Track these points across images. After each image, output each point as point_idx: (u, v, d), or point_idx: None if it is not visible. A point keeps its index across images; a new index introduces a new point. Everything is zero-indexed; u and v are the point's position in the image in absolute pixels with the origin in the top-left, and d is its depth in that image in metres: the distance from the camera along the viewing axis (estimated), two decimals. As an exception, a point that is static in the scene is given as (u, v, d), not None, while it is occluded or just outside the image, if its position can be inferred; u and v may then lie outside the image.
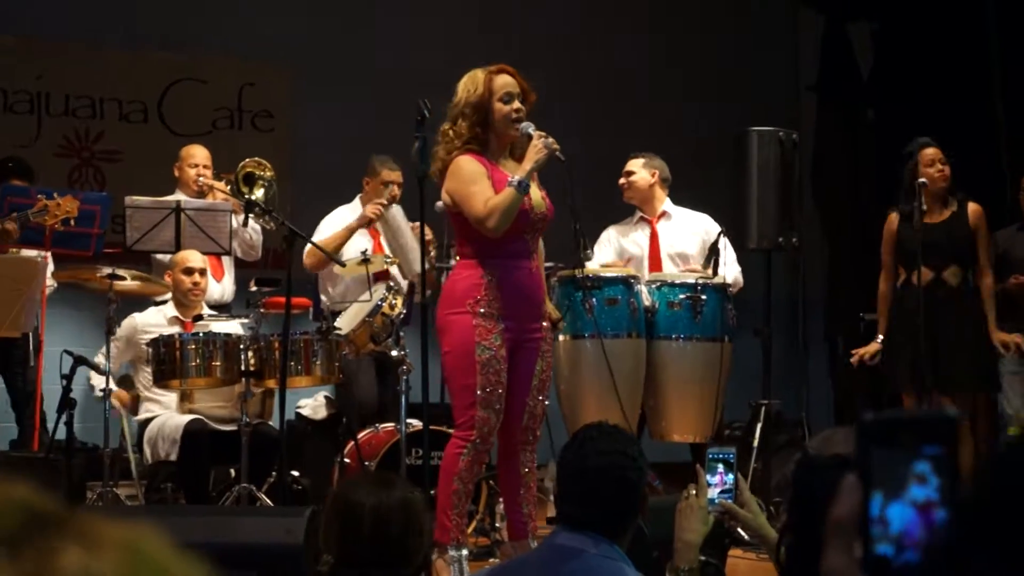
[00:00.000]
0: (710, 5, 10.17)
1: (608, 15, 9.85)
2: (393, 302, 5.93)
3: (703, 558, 2.88)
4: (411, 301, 6.35)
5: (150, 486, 6.17)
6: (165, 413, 6.02)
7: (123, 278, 5.92)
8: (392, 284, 6.14)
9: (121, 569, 0.69)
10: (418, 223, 5.35)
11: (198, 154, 6.98)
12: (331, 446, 6.27)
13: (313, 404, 6.70)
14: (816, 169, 9.83)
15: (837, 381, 9.73)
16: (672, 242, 6.51)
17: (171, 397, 6.04)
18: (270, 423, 5.97)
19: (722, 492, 2.92)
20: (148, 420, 6.05)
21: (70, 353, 5.89)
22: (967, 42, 9.28)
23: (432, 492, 4.71)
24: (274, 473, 5.77)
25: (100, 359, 5.98)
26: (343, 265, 6.15)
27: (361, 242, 6.56)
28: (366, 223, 6.59)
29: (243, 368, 5.63)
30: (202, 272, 6.23)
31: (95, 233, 6.23)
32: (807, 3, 10.30)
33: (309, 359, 5.69)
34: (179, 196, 6.80)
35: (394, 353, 5.90)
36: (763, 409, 6.29)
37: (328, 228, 6.65)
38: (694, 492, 2.90)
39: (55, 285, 6.58)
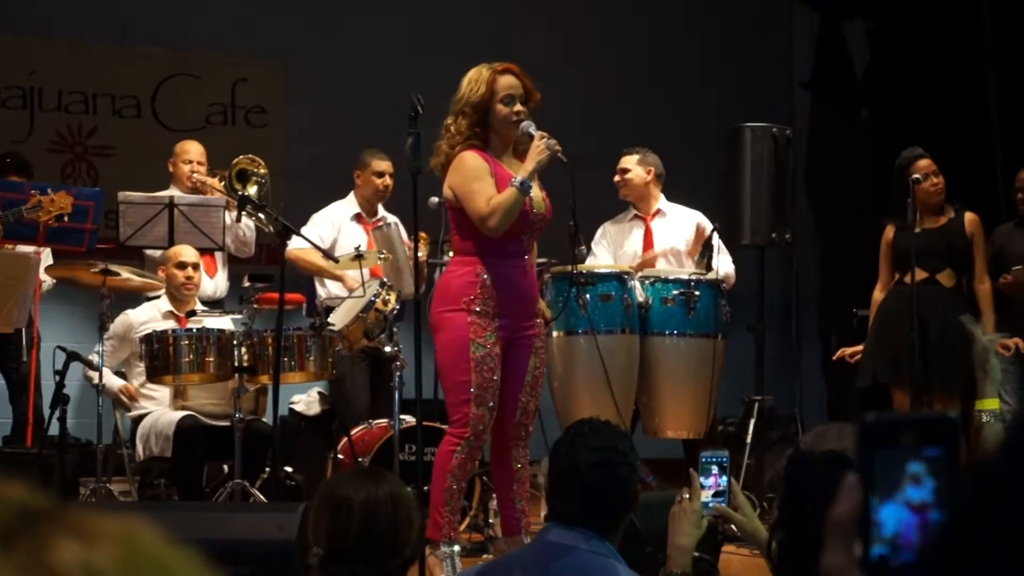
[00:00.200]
0: (705, 2, 10.17)
1: (603, 13, 9.85)
2: (387, 298, 5.93)
3: (696, 554, 2.89)
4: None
5: (143, 482, 6.17)
6: (158, 409, 6.01)
7: (116, 274, 5.91)
8: (385, 280, 6.13)
9: (117, 562, 0.69)
10: (410, 242, 5.34)
11: (192, 150, 6.97)
12: (324, 442, 6.27)
13: (306, 400, 6.70)
14: (810, 166, 9.84)
15: (830, 377, 9.74)
16: (666, 239, 6.51)
17: (164, 393, 6.03)
18: (263, 419, 5.97)
19: (716, 494, 2.92)
20: (141, 416, 6.04)
21: (63, 349, 5.89)
22: (962, 41, 9.28)
23: (425, 488, 4.71)
24: (267, 469, 5.77)
25: (95, 358, 5.97)
26: (336, 261, 6.14)
27: (356, 238, 6.56)
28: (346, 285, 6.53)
29: (236, 364, 5.62)
30: (195, 266, 6.22)
31: (88, 229, 6.22)
32: (802, 0, 10.30)
33: (303, 355, 5.68)
34: (173, 192, 6.79)
35: (388, 349, 5.90)
36: (756, 405, 6.30)
37: (317, 227, 6.64)
38: (687, 496, 2.90)
39: (52, 282, 6.58)
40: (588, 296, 5.89)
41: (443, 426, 4.87)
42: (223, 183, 6.78)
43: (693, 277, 6.14)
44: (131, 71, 8.93)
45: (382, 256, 6.20)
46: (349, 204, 6.79)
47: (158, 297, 6.32)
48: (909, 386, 6.12)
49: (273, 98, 9.26)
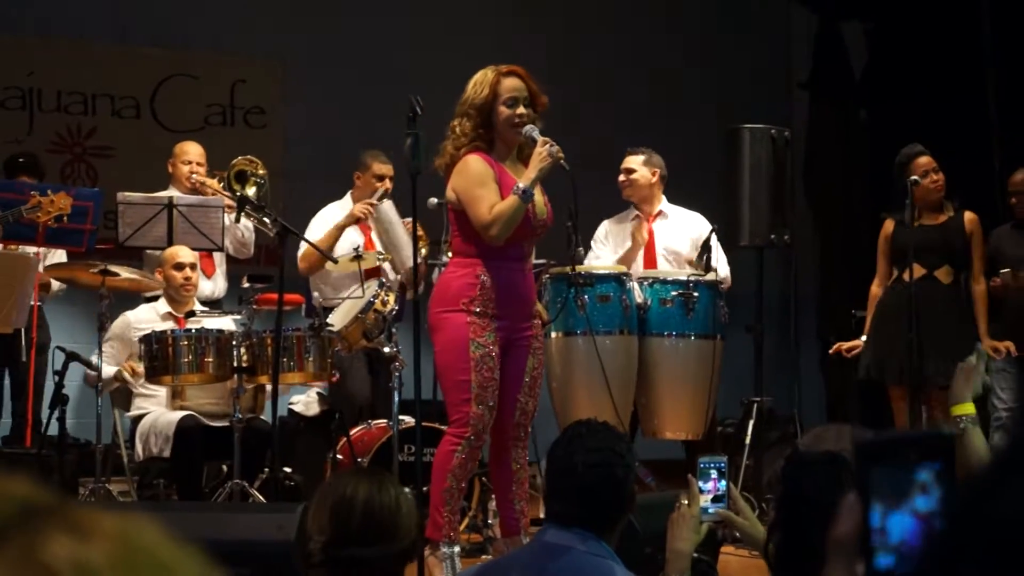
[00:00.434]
0: (704, 3, 10.18)
1: (603, 13, 9.85)
2: (385, 298, 5.93)
3: (695, 555, 2.89)
4: (403, 297, 6.35)
5: (142, 482, 6.16)
6: (157, 409, 6.01)
7: (116, 274, 5.91)
8: (384, 281, 6.13)
9: (112, 559, 0.69)
10: (410, 219, 5.34)
11: (192, 151, 6.97)
12: (323, 442, 6.27)
13: (305, 400, 6.70)
14: (808, 167, 9.84)
15: (829, 378, 9.75)
16: (667, 241, 6.52)
17: (163, 393, 6.03)
18: (262, 417, 5.97)
19: (715, 499, 2.93)
20: (140, 416, 6.04)
21: (62, 349, 5.89)
22: (960, 41, 9.29)
23: (425, 489, 4.71)
24: (266, 469, 5.77)
25: (95, 360, 5.96)
26: (335, 262, 6.15)
27: (353, 238, 6.56)
28: (354, 221, 6.57)
29: (236, 364, 5.63)
30: (193, 267, 6.23)
31: (88, 229, 6.22)
32: (801, 1, 10.31)
33: (302, 355, 5.68)
34: (172, 192, 6.79)
35: (386, 350, 5.90)
36: (755, 406, 6.30)
37: (319, 227, 6.64)
38: (686, 502, 2.91)
39: (62, 287, 6.59)
40: (587, 297, 5.89)
41: (442, 427, 4.88)
42: (222, 184, 6.78)
43: (692, 278, 6.14)
44: (130, 72, 8.93)
45: (380, 257, 6.21)
46: (345, 205, 6.79)
47: (156, 298, 6.32)
48: (906, 384, 6.12)
49: (272, 99, 9.26)
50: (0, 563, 0.67)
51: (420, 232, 5.72)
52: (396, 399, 5.77)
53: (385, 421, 6.01)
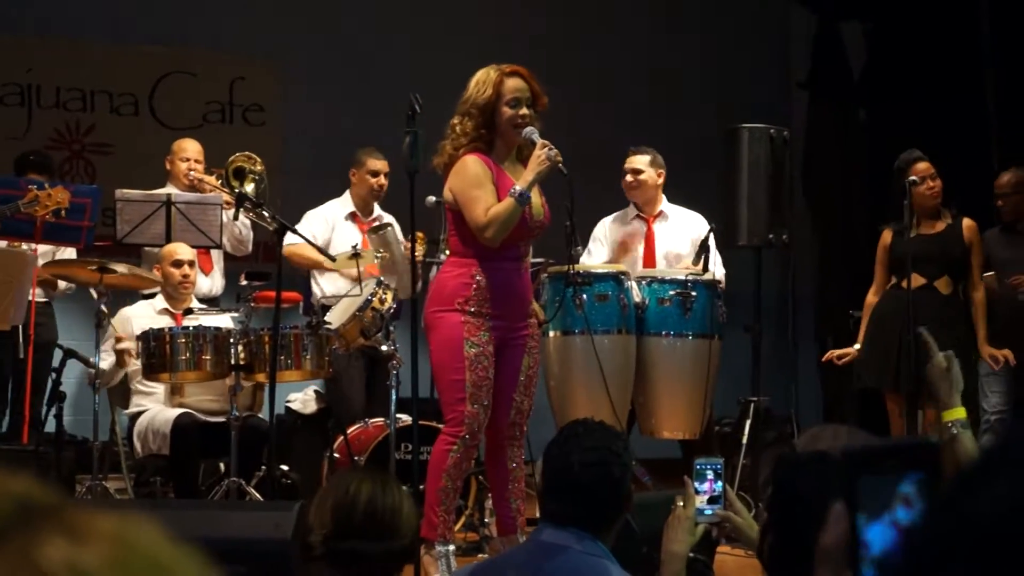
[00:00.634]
0: (703, 3, 10.18)
1: (601, 13, 9.85)
2: (383, 297, 5.93)
3: (691, 555, 2.89)
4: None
5: (139, 480, 6.16)
6: (155, 407, 6.01)
7: (114, 271, 5.91)
8: (382, 279, 6.13)
9: (108, 562, 0.69)
10: (408, 243, 5.34)
11: (190, 148, 6.97)
12: (320, 440, 6.27)
13: (303, 398, 6.70)
14: (807, 167, 9.84)
15: (826, 378, 9.75)
16: (667, 241, 6.52)
17: (161, 390, 6.03)
18: (259, 415, 5.97)
19: (711, 500, 2.93)
20: (138, 413, 6.04)
21: (60, 346, 5.88)
22: (959, 41, 9.29)
23: (421, 487, 4.71)
24: (263, 467, 5.77)
25: (92, 358, 5.95)
26: (333, 260, 6.15)
27: (351, 237, 6.56)
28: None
29: (233, 362, 5.63)
30: (191, 264, 6.23)
31: (86, 226, 6.21)
32: (800, 2, 10.31)
33: (299, 353, 5.69)
34: (170, 189, 6.79)
35: (384, 348, 5.90)
36: (752, 406, 6.30)
37: (313, 224, 6.63)
38: (681, 504, 2.91)
39: (71, 287, 6.59)
40: (585, 296, 5.89)
41: (439, 425, 4.88)
42: (220, 181, 6.78)
43: (690, 278, 6.14)
44: (129, 69, 8.92)
45: (379, 256, 6.19)
46: (344, 203, 6.79)
47: (154, 295, 6.31)
48: (902, 392, 6.12)
49: (271, 96, 9.26)
50: None
51: (418, 233, 5.71)
52: (393, 397, 5.78)
53: (382, 419, 6.01)
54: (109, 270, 5.85)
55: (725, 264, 6.50)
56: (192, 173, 6.86)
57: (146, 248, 6.71)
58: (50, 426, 5.75)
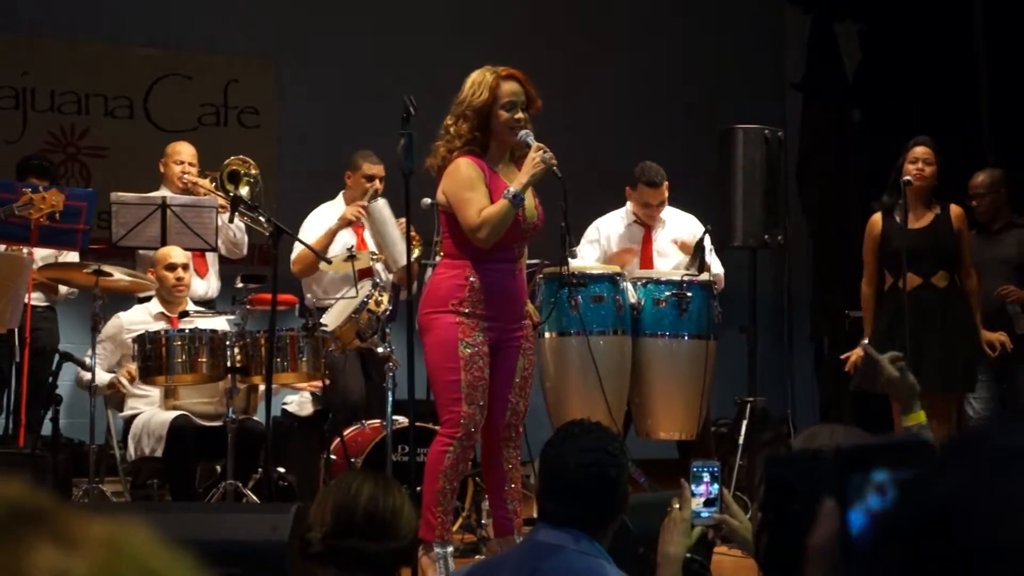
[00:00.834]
0: (697, 4, 10.18)
1: (598, 15, 9.86)
2: (379, 298, 5.93)
3: (688, 555, 2.89)
4: (396, 297, 6.35)
5: (135, 482, 6.16)
6: (151, 409, 6.01)
7: (109, 274, 5.91)
8: (378, 281, 6.14)
9: (97, 569, 0.68)
10: (404, 219, 5.34)
11: (184, 151, 6.97)
12: (317, 443, 6.27)
13: (299, 400, 6.70)
14: (802, 167, 9.85)
15: (822, 378, 9.76)
16: (664, 243, 6.53)
17: (156, 393, 6.03)
18: (255, 418, 5.97)
19: (707, 503, 2.93)
20: (133, 416, 6.04)
21: (55, 350, 5.88)
22: (953, 42, 9.31)
23: (418, 489, 4.71)
24: (260, 470, 5.77)
25: (88, 360, 5.96)
26: (329, 262, 6.15)
27: (345, 239, 6.56)
28: (347, 224, 6.57)
29: (229, 364, 5.63)
30: (184, 267, 6.23)
31: (81, 229, 6.21)
32: (794, 2, 10.32)
33: (295, 355, 5.69)
34: (164, 192, 6.79)
35: (380, 350, 5.90)
36: (749, 406, 6.30)
37: (311, 229, 6.63)
38: (677, 506, 2.91)
39: (73, 291, 6.58)
40: (580, 297, 5.89)
41: (436, 427, 4.88)
42: (214, 184, 6.78)
43: (685, 278, 6.15)
44: (123, 72, 8.92)
45: (374, 257, 6.20)
46: (338, 205, 6.79)
47: (149, 299, 6.31)
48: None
49: (265, 98, 9.26)
50: None
51: (414, 234, 5.72)
52: (390, 399, 5.78)
53: (379, 421, 6.01)
54: (105, 273, 5.85)
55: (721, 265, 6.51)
56: (186, 176, 6.85)
57: (140, 251, 6.71)
58: (46, 429, 5.74)
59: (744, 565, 4.91)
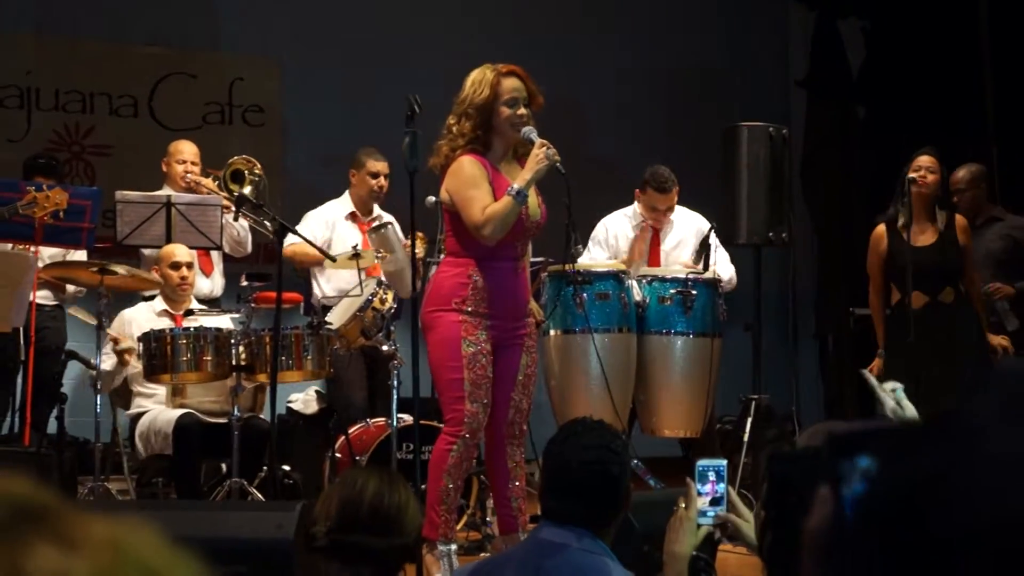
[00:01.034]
0: (702, 2, 10.17)
1: (601, 13, 9.85)
2: (384, 297, 5.94)
3: (693, 553, 2.89)
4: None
5: (141, 481, 6.17)
6: (156, 408, 6.01)
7: (114, 273, 5.92)
8: (382, 279, 6.13)
9: (98, 570, 0.68)
10: (409, 242, 5.34)
11: (186, 150, 6.97)
12: (322, 441, 6.27)
13: (304, 398, 6.70)
14: (806, 165, 9.84)
15: (827, 375, 9.75)
16: (672, 243, 6.54)
17: (162, 391, 6.03)
18: (261, 416, 5.98)
19: (712, 502, 2.93)
20: (139, 414, 6.05)
21: (62, 349, 5.88)
22: (958, 39, 9.29)
23: (422, 487, 4.72)
24: (265, 468, 5.77)
25: (93, 360, 5.95)
26: (334, 260, 6.15)
27: (351, 237, 6.56)
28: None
29: (234, 362, 5.63)
30: (189, 265, 6.23)
31: (86, 228, 6.21)
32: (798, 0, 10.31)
33: (300, 354, 5.69)
34: (167, 191, 6.79)
35: (385, 348, 5.91)
36: (753, 403, 6.30)
37: (311, 225, 6.63)
38: (683, 505, 2.91)
39: (79, 290, 6.58)
40: (585, 295, 5.90)
41: (440, 425, 4.89)
42: (217, 183, 6.78)
43: (690, 276, 6.15)
44: (128, 70, 8.92)
45: (379, 256, 6.19)
46: (344, 203, 6.79)
47: (154, 297, 6.32)
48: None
49: (270, 97, 9.26)
50: None
51: (419, 234, 5.71)
52: (395, 397, 5.78)
53: (383, 419, 6.02)
54: (110, 272, 5.85)
55: (725, 262, 6.52)
56: (188, 175, 6.85)
57: (144, 250, 6.72)
58: (51, 427, 5.75)
59: (749, 562, 4.92)
